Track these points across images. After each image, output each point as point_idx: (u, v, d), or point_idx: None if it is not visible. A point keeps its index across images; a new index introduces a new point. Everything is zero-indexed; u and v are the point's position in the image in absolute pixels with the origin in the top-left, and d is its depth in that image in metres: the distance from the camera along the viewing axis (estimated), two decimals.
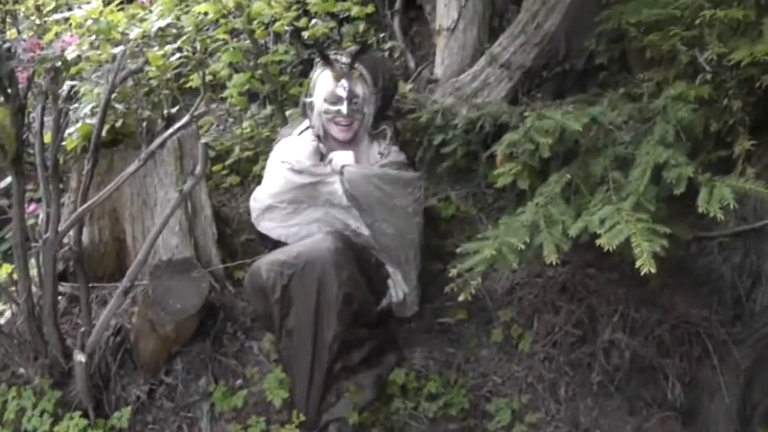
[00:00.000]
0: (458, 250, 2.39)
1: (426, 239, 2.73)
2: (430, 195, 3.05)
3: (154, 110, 2.98)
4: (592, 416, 2.56)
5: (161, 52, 2.88)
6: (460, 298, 2.25)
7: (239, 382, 2.64)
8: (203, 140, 2.86)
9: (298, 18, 3.43)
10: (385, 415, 2.53)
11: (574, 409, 2.58)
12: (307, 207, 2.61)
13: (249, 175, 3.27)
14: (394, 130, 2.80)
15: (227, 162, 3.36)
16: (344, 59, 2.66)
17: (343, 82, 2.63)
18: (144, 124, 2.90)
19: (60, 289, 2.72)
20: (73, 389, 2.56)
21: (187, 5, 3.04)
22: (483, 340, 2.75)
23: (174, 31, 2.97)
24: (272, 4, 3.15)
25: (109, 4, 2.74)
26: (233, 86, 3.23)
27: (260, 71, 3.31)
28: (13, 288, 2.56)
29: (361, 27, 3.82)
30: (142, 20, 2.88)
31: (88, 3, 2.70)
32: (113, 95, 2.68)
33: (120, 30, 2.71)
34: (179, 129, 2.54)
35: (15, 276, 2.53)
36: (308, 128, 2.74)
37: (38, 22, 2.60)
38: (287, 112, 3.38)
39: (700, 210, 1.99)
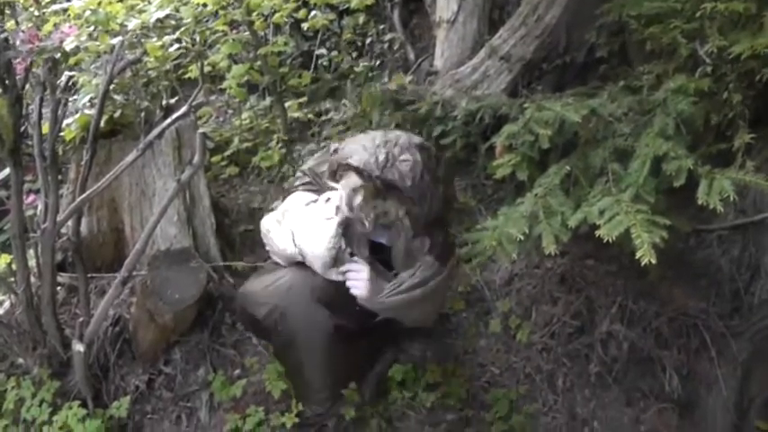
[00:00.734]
0: (457, 241, 2.39)
1: None
2: None
3: (152, 100, 2.98)
4: (589, 407, 2.57)
5: (159, 43, 2.88)
6: (459, 289, 2.25)
7: (238, 371, 2.65)
8: (201, 131, 2.85)
9: (297, 9, 3.43)
10: (383, 406, 2.54)
11: (571, 399, 2.59)
12: None
13: (248, 166, 3.27)
14: (442, 237, 2.28)
15: (226, 153, 3.36)
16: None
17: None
18: (142, 115, 2.90)
19: (59, 279, 2.72)
20: (72, 379, 2.56)
21: None
22: (481, 331, 2.76)
23: (173, 22, 2.97)
24: None
25: None
26: (232, 78, 3.23)
27: (259, 62, 3.31)
28: (12, 278, 2.55)
29: (361, 19, 3.83)
30: (141, 11, 2.88)
31: None
32: (112, 86, 2.68)
33: (119, 21, 2.72)
34: (177, 119, 2.53)
35: (14, 267, 2.52)
36: (329, 201, 2.23)
37: (36, 13, 2.59)
38: (286, 104, 3.38)
39: (699, 202, 1.98)
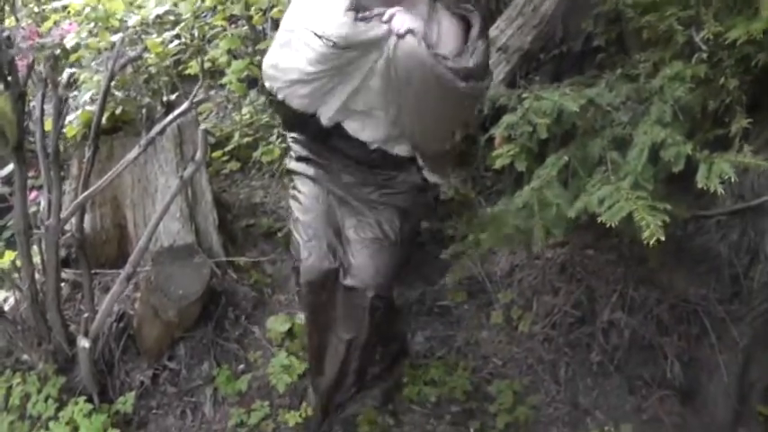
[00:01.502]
0: (457, 233, 2.40)
1: (426, 223, 2.74)
2: None
3: (153, 97, 2.99)
4: (591, 396, 2.58)
5: (159, 39, 2.89)
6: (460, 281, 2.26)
7: (242, 366, 2.67)
8: (203, 127, 2.86)
9: None
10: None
11: (574, 389, 2.59)
12: (339, 82, 2.04)
13: (249, 161, 3.28)
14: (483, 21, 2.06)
15: (227, 148, 3.38)
16: None
17: None
18: (144, 111, 2.91)
19: (63, 275, 2.73)
20: (77, 374, 2.58)
21: None
22: (483, 322, 2.77)
23: (173, 18, 2.98)
24: None
25: None
26: (232, 73, 3.24)
27: (258, 57, 3.31)
28: (17, 275, 2.57)
29: None
30: (140, 7, 2.89)
31: None
32: (113, 82, 2.68)
33: (119, 17, 2.73)
34: (178, 115, 2.54)
35: (18, 263, 2.54)
36: None
37: (36, 9, 2.60)
38: None
39: (699, 185, 1.98)
